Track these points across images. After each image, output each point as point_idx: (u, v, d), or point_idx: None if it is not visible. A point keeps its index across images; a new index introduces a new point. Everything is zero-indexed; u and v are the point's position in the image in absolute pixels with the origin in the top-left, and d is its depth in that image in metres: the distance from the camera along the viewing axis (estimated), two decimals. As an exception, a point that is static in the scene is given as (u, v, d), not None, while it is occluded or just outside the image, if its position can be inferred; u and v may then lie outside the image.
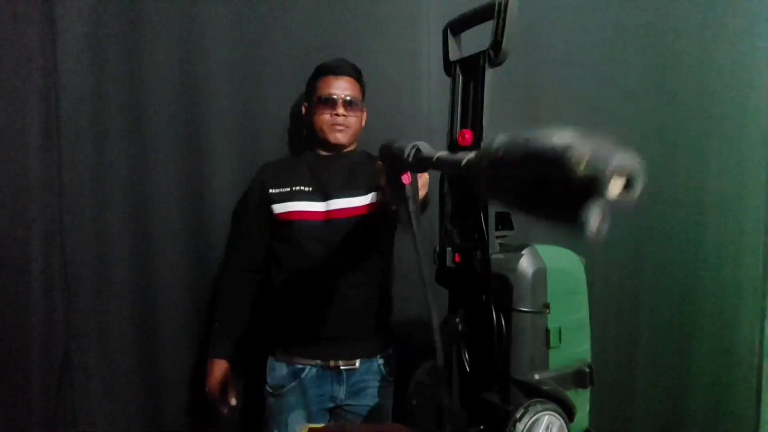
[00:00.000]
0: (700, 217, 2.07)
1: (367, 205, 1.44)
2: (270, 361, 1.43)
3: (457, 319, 0.95)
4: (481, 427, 0.90)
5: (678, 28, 1.96)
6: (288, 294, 1.40)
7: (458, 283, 0.98)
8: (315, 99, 1.46)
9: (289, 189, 1.43)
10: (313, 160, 1.50)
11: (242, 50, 1.57)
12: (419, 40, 1.71)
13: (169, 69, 1.52)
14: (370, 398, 1.38)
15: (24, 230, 1.42)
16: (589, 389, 0.92)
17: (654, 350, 2.07)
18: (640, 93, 1.95)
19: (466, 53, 0.93)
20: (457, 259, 0.93)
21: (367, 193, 1.44)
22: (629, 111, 1.95)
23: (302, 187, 1.43)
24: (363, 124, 1.53)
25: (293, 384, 1.36)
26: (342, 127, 1.46)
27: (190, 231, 1.58)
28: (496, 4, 0.84)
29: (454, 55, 0.97)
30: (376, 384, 1.40)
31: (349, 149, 1.52)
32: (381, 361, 1.42)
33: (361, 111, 1.51)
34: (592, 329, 0.96)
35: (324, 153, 1.51)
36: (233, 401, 1.44)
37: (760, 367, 2.21)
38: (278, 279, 1.42)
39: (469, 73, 0.92)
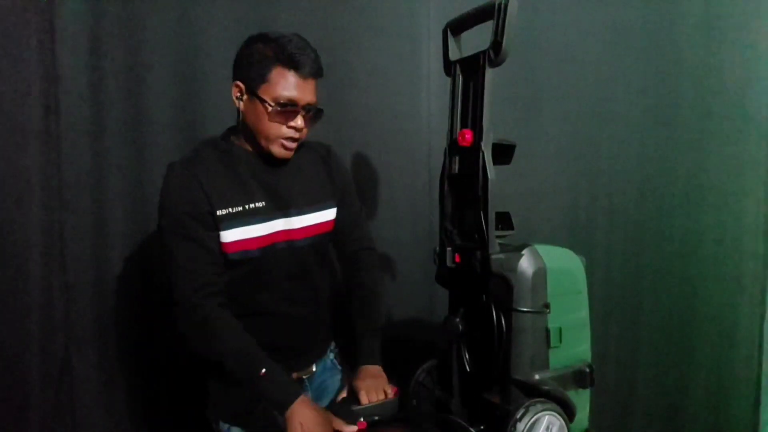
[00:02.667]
0: (701, 215, 2.07)
1: (332, 220, 1.23)
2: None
3: (458, 319, 0.95)
4: (481, 427, 0.90)
5: (678, 27, 1.96)
6: (245, 317, 1.13)
7: (458, 283, 0.99)
8: (265, 97, 1.05)
9: (241, 207, 1.09)
10: (251, 163, 1.14)
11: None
12: (419, 40, 1.71)
13: (169, 69, 1.52)
14: (331, 393, 1.31)
15: (24, 230, 1.41)
16: (589, 389, 0.93)
17: (654, 350, 2.07)
18: (640, 92, 1.95)
19: (466, 53, 0.93)
20: (457, 259, 0.93)
21: (330, 203, 1.22)
22: (629, 110, 1.95)
23: (255, 204, 1.10)
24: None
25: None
26: (295, 144, 1.11)
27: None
28: (496, 4, 0.84)
29: (454, 55, 0.97)
30: (333, 378, 1.33)
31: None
32: (331, 355, 1.34)
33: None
34: (592, 329, 0.96)
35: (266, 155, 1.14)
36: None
37: (759, 366, 2.22)
38: (230, 302, 1.13)
39: (469, 73, 0.92)
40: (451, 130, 0.96)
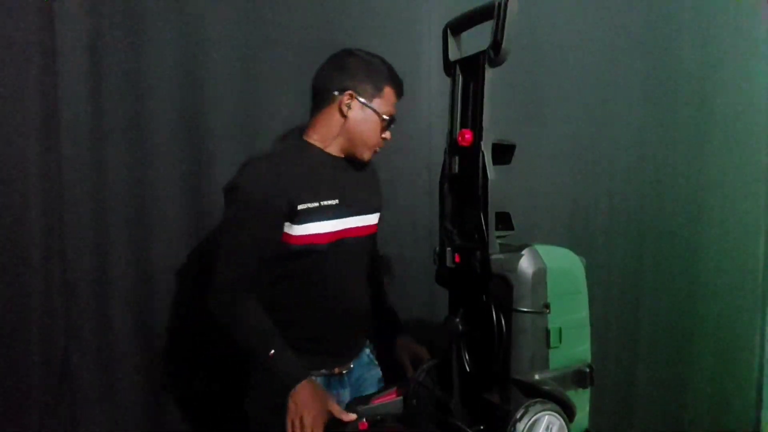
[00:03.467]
0: (702, 216, 2.07)
1: (376, 224, 1.36)
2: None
3: (457, 319, 0.95)
4: (481, 427, 0.90)
5: (678, 27, 1.96)
6: (297, 310, 1.25)
7: (458, 283, 0.99)
8: (377, 110, 1.19)
9: (317, 204, 1.18)
10: (329, 166, 1.25)
11: (242, 50, 1.57)
12: (419, 40, 1.71)
13: (170, 68, 1.52)
14: (368, 389, 1.39)
15: (24, 230, 1.41)
16: (589, 389, 0.92)
17: (654, 350, 2.07)
18: (640, 93, 1.95)
19: (466, 53, 0.93)
20: (457, 259, 0.93)
21: (378, 208, 1.35)
22: (629, 110, 1.95)
23: (329, 201, 1.20)
24: None
25: None
26: (378, 151, 1.28)
27: (191, 231, 1.57)
28: (496, 4, 0.84)
29: (454, 55, 0.97)
30: (371, 373, 1.40)
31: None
32: (368, 350, 1.42)
33: None
34: (592, 329, 0.96)
35: (338, 157, 1.26)
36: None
37: (761, 366, 2.22)
38: (283, 295, 1.24)
39: (469, 73, 0.92)
40: (451, 130, 0.96)
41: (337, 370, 1.32)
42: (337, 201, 1.21)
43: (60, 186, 1.44)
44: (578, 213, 1.92)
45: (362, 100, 1.19)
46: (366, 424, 1.05)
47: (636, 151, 1.97)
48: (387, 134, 1.25)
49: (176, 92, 1.53)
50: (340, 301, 1.27)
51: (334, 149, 1.25)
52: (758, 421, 2.25)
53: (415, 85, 1.71)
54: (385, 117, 1.21)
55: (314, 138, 1.25)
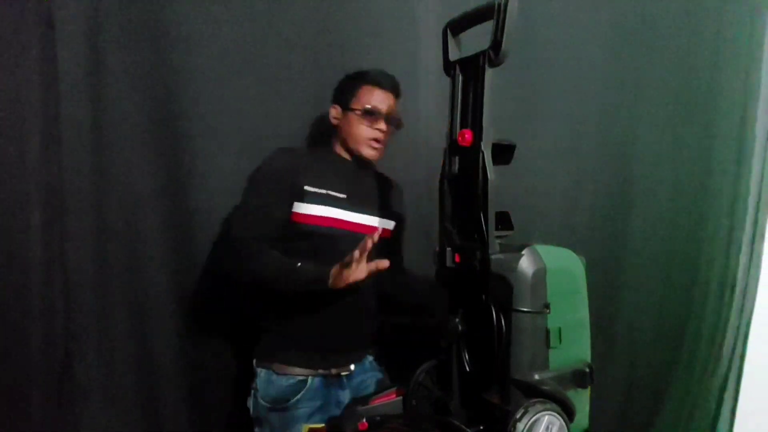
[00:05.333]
0: (702, 216, 2.07)
1: (390, 230, 1.43)
2: (265, 373, 1.33)
3: (457, 319, 0.95)
4: (481, 428, 0.90)
5: (678, 26, 1.96)
6: (295, 304, 1.31)
7: (458, 283, 0.99)
8: (354, 107, 1.34)
9: (324, 191, 1.31)
10: (341, 165, 1.40)
11: (242, 50, 1.57)
12: (419, 40, 1.71)
13: (170, 68, 1.52)
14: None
15: (24, 230, 1.41)
16: (589, 389, 0.93)
17: (654, 350, 2.07)
18: (641, 92, 1.95)
19: (466, 53, 0.93)
20: (457, 259, 0.93)
21: (391, 217, 1.43)
22: (629, 110, 1.94)
23: (337, 193, 1.33)
24: None
25: (298, 396, 1.31)
26: (379, 144, 1.37)
27: (191, 231, 1.57)
28: (496, 4, 0.84)
29: (454, 55, 0.97)
30: (374, 379, 1.42)
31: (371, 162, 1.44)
32: (370, 358, 1.45)
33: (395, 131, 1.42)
34: (591, 329, 0.96)
35: (349, 160, 1.40)
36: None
37: (741, 362, 2.21)
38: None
39: (469, 73, 0.92)
40: (451, 131, 0.96)
41: (334, 371, 1.34)
42: (345, 195, 1.33)
43: (60, 186, 1.44)
44: (578, 213, 1.92)
45: (341, 107, 1.38)
46: (366, 424, 1.05)
47: (636, 151, 1.97)
48: (380, 125, 1.35)
49: (176, 92, 1.53)
50: (340, 295, 1.27)
51: (346, 155, 1.40)
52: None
53: (415, 85, 1.71)
54: (358, 110, 1.34)
55: (336, 146, 1.42)
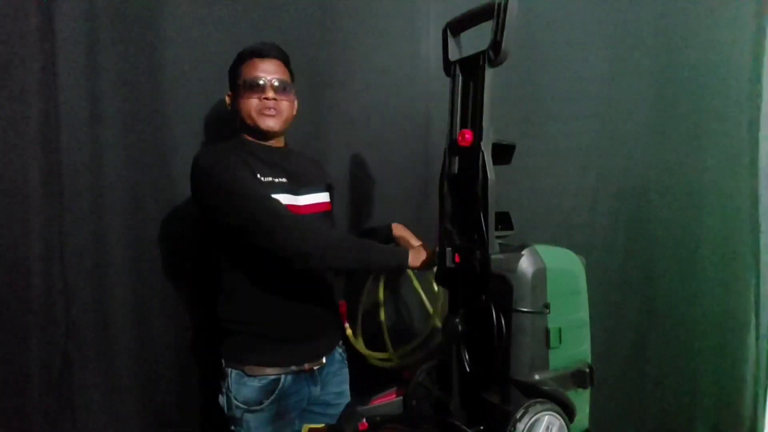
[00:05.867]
0: (702, 216, 2.07)
1: (329, 202, 1.42)
2: (236, 374, 1.29)
3: (457, 319, 0.95)
4: (481, 428, 0.90)
5: (677, 26, 1.96)
6: (260, 300, 1.28)
7: (458, 283, 0.98)
8: (240, 83, 1.30)
9: (270, 179, 1.28)
10: (267, 152, 1.34)
11: (241, 49, 1.57)
12: (419, 40, 1.71)
13: (170, 68, 1.52)
14: (335, 385, 1.41)
15: (24, 230, 1.41)
16: (589, 389, 0.92)
17: (654, 350, 2.07)
18: (641, 92, 1.95)
19: (466, 53, 0.93)
20: (457, 259, 0.93)
21: (326, 190, 1.42)
22: (629, 110, 1.94)
23: (279, 179, 1.29)
24: (294, 112, 1.39)
25: (273, 396, 1.29)
26: (273, 111, 1.30)
27: (191, 231, 1.57)
28: (496, 4, 0.84)
29: (453, 55, 0.97)
30: (339, 371, 1.44)
31: (282, 143, 1.40)
32: (340, 350, 1.45)
33: (293, 97, 1.36)
34: (592, 329, 0.96)
35: (266, 144, 1.35)
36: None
37: (757, 365, 2.21)
38: (243, 285, 1.29)
39: (469, 73, 0.92)
40: (451, 131, 0.96)
41: (307, 366, 1.33)
42: (285, 179, 1.30)
43: (60, 186, 1.44)
44: (578, 213, 1.92)
45: (233, 90, 1.35)
46: (366, 424, 1.05)
47: (636, 151, 1.97)
48: (268, 93, 1.29)
49: (176, 92, 1.53)
50: (303, 281, 1.30)
51: (253, 137, 1.34)
52: (756, 417, 2.24)
53: (415, 85, 1.71)
54: (239, 84, 1.31)
55: (242, 134, 1.36)
